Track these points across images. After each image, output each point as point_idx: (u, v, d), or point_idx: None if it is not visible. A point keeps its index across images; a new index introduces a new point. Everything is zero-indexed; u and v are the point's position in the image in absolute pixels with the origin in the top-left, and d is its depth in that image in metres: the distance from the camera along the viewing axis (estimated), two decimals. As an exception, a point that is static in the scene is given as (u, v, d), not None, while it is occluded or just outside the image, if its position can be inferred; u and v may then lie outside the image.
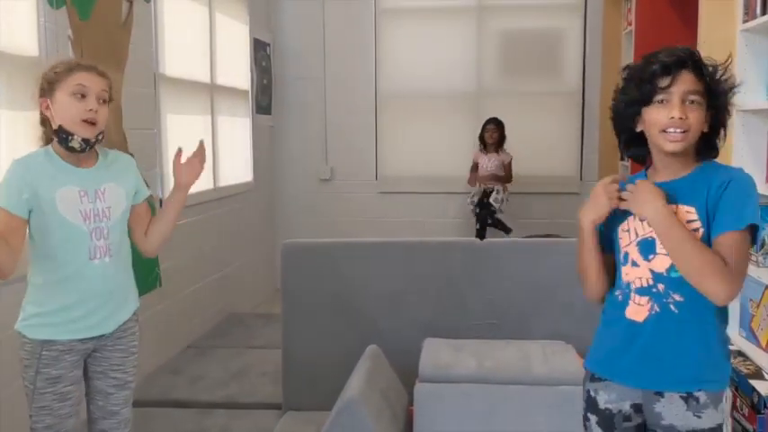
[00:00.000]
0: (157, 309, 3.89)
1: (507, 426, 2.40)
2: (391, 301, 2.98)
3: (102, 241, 2.03)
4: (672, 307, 1.61)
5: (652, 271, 1.63)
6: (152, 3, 3.91)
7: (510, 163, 5.59)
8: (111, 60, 3.40)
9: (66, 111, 1.97)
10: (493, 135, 5.58)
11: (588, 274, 1.73)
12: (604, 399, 1.72)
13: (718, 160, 1.68)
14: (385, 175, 6.20)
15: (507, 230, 5.54)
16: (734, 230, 1.54)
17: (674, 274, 1.60)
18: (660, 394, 1.64)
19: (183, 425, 3.12)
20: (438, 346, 2.66)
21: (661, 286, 1.62)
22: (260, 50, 5.79)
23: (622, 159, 5.17)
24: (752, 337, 2.91)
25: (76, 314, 2.02)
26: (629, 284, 1.67)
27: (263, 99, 5.90)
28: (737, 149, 3.01)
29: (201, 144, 2.26)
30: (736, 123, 3.01)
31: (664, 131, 1.59)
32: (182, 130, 4.28)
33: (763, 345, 2.82)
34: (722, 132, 1.65)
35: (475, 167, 5.67)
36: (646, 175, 1.71)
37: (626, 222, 1.69)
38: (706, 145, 1.65)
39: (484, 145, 5.64)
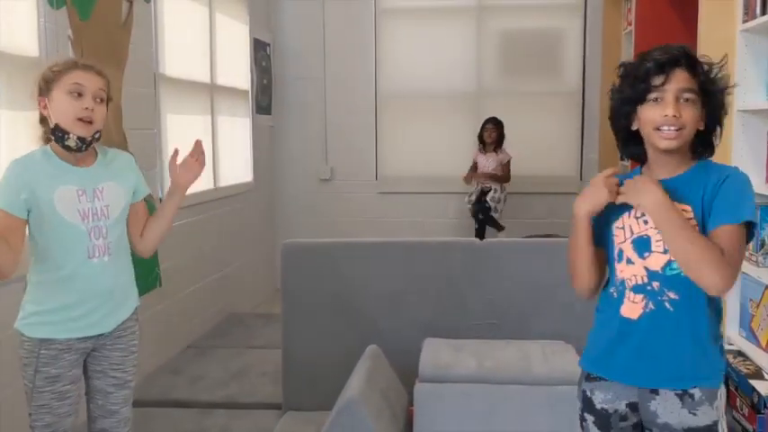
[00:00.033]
0: (157, 309, 3.89)
1: (507, 426, 2.40)
2: (391, 301, 2.98)
3: (100, 240, 2.03)
4: (667, 304, 1.61)
5: (647, 269, 1.63)
6: (152, 3, 3.91)
7: (508, 163, 5.59)
8: (111, 60, 3.41)
9: (63, 109, 1.98)
10: (492, 134, 5.59)
11: (578, 266, 1.72)
12: (600, 398, 1.72)
13: (716, 160, 1.68)
14: (385, 175, 6.20)
15: (499, 228, 5.55)
16: (730, 224, 1.54)
17: (669, 272, 1.61)
18: (655, 392, 1.64)
19: (183, 425, 3.12)
20: (438, 346, 2.66)
21: (656, 284, 1.62)
22: (260, 50, 5.79)
23: (622, 159, 5.15)
24: (752, 337, 2.91)
25: (76, 313, 2.02)
26: (623, 282, 1.67)
27: (263, 99, 5.90)
28: (737, 149, 3.01)
29: (197, 144, 2.24)
30: (735, 123, 3.01)
31: (658, 129, 1.59)
32: (182, 130, 4.28)
33: (763, 345, 2.82)
34: (718, 130, 1.65)
35: (474, 167, 5.68)
36: (641, 173, 1.71)
37: (620, 219, 1.68)
38: (702, 143, 1.65)
39: (483, 144, 5.65)
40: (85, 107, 1.98)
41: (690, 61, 1.59)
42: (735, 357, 2.83)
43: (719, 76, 1.62)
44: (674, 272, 1.60)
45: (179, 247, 4.16)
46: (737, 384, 2.65)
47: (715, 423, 1.62)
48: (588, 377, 1.76)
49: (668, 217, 1.54)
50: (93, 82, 2.01)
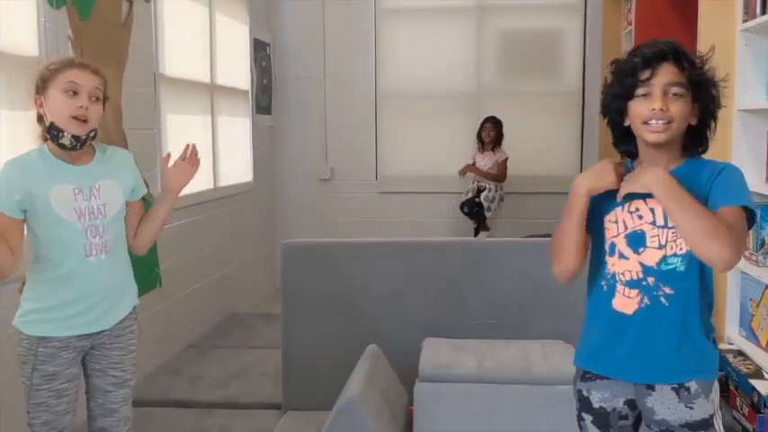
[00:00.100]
0: (157, 309, 3.89)
1: (507, 425, 2.40)
2: (391, 301, 2.98)
3: (97, 238, 2.03)
4: (662, 299, 1.61)
5: (642, 264, 1.63)
6: (152, 3, 3.91)
7: (504, 162, 5.59)
8: (111, 60, 3.41)
9: (58, 107, 1.98)
10: (490, 133, 5.59)
11: (566, 247, 1.67)
12: (597, 398, 1.72)
13: (715, 159, 1.67)
14: (385, 175, 6.20)
15: (485, 228, 5.55)
16: (731, 206, 1.53)
17: (664, 267, 1.60)
18: (651, 388, 1.64)
19: (183, 425, 3.12)
20: (438, 345, 2.66)
21: (651, 279, 1.62)
22: (260, 50, 5.79)
23: (622, 158, 5.17)
24: (752, 336, 2.91)
25: (74, 310, 2.03)
26: (614, 275, 1.66)
27: (263, 99, 5.90)
28: (737, 149, 3.01)
29: (188, 147, 2.22)
30: (735, 123, 3.01)
31: (646, 123, 1.59)
32: (182, 130, 4.28)
33: (763, 344, 2.82)
34: (713, 126, 1.65)
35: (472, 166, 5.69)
36: (632, 166, 1.70)
37: (613, 213, 1.67)
38: (695, 139, 1.65)
39: (481, 143, 5.65)
40: (80, 105, 1.98)
41: (677, 56, 1.58)
42: (735, 357, 2.83)
43: (706, 68, 1.61)
44: (670, 267, 1.60)
45: (179, 247, 4.16)
46: (737, 384, 2.65)
47: (711, 416, 1.63)
48: (584, 376, 1.75)
49: (672, 193, 1.51)
50: (88, 81, 2.01)
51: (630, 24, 4.94)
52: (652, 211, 1.62)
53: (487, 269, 2.98)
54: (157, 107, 4.00)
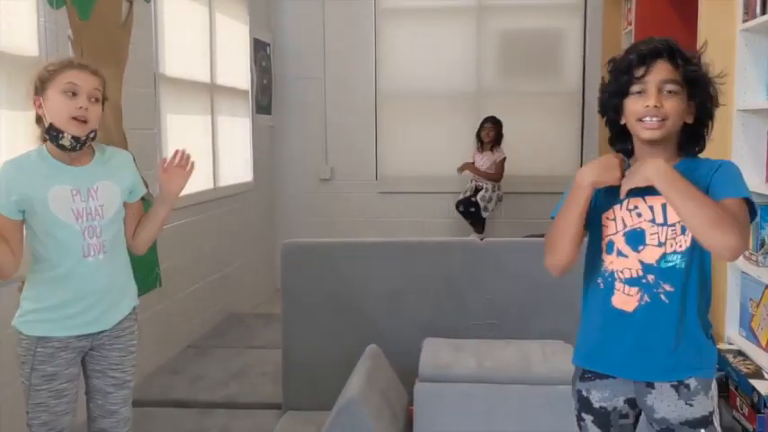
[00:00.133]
0: (157, 309, 3.89)
1: (507, 426, 2.40)
2: (391, 301, 2.98)
3: (95, 239, 2.03)
4: (662, 297, 1.61)
5: (642, 262, 1.62)
6: (152, 3, 3.91)
7: (502, 161, 5.58)
8: (111, 60, 3.41)
9: (57, 108, 1.97)
10: (489, 133, 5.59)
11: (563, 239, 1.65)
12: (597, 397, 1.72)
13: (713, 158, 1.67)
14: (385, 175, 6.20)
15: (479, 230, 5.55)
16: (733, 197, 1.53)
17: (664, 265, 1.60)
18: (651, 386, 1.64)
19: (183, 425, 3.12)
20: (438, 345, 2.66)
21: (651, 277, 1.62)
22: (260, 50, 5.79)
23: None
24: (752, 336, 2.91)
25: (72, 311, 2.02)
26: (612, 273, 1.66)
27: (263, 99, 5.90)
28: (737, 149, 3.01)
29: (176, 153, 2.21)
30: (735, 123, 3.01)
31: (641, 120, 1.59)
32: (182, 130, 4.29)
33: (763, 344, 2.82)
34: (710, 124, 1.64)
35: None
36: (629, 165, 1.69)
37: (611, 210, 1.67)
38: (691, 138, 1.64)
39: (481, 143, 5.65)
40: (80, 106, 1.97)
41: (672, 53, 1.58)
42: (735, 357, 2.83)
43: (702, 64, 1.61)
44: (670, 264, 1.60)
45: (179, 247, 4.16)
46: (737, 384, 2.65)
47: (711, 414, 1.63)
48: (583, 376, 1.75)
49: (675, 183, 1.50)
50: (87, 81, 2.00)
51: (630, 24, 4.94)
52: (651, 208, 1.62)
53: (487, 269, 2.98)
54: (157, 107, 4.00)
